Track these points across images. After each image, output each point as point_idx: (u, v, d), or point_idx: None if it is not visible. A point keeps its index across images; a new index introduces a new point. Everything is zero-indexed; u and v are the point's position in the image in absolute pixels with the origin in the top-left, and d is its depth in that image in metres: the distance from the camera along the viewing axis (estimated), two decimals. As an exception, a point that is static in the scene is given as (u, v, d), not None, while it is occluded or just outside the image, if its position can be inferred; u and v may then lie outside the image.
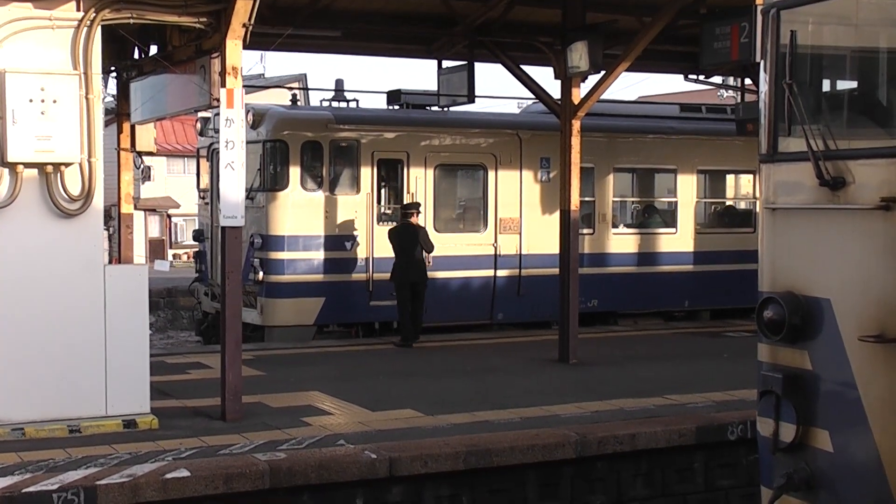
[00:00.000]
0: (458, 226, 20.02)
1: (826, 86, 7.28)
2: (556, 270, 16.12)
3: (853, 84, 7.27)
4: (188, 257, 41.22)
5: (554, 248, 16.57)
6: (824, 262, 6.60)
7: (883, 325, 6.14)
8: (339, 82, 21.13)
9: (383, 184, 19.29)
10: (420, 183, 19.28)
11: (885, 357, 6.15)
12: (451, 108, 20.40)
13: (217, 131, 11.98)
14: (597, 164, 20.38)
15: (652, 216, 21.89)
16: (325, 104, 20.75)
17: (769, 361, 6.97)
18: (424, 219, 19.00)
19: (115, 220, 17.41)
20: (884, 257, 6.17)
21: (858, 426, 6.29)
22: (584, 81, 15.78)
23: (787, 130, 6.90)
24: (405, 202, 18.74)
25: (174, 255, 47.63)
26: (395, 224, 18.50)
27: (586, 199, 19.48)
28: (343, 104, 20.63)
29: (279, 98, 25.91)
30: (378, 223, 18.94)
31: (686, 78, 20.62)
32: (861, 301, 6.31)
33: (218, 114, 11.42)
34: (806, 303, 6.68)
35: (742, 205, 23.30)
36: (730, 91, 26.16)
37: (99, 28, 10.73)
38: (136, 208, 18.17)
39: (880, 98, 6.87)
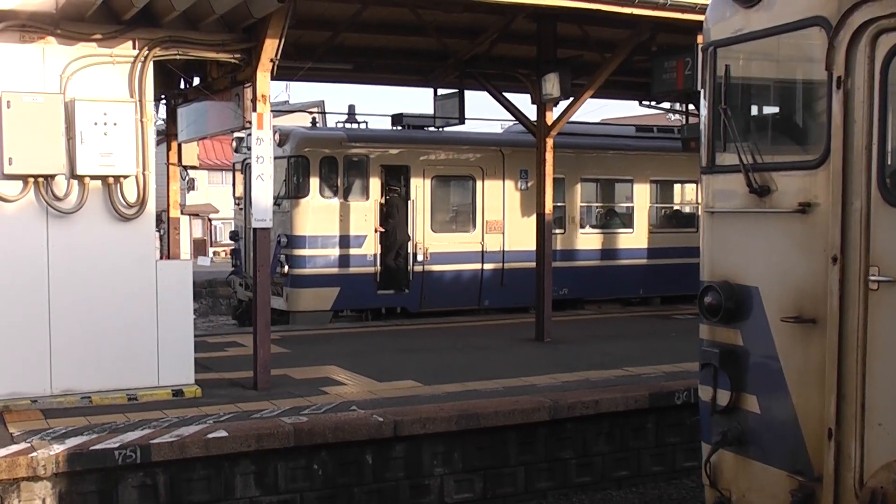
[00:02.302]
0: (451, 227, 19.98)
1: (754, 110, 7.31)
2: (533, 264, 16.12)
3: (776, 109, 7.30)
4: (225, 254, 41.06)
5: (531, 245, 16.56)
6: (753, 256, 6.64)
7: (800, 308, 6.20)
8: (351, 107, 21.13)
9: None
10: (419, 191, 19.29)
11: (801, 335, 6.20)
12: (445, 129, 20.40)
13: (249, 148, 12.01)
14: (567, 175, 20.38)
15: (613, 218, 21.86)
16: (340, 126, 20.76)
17: (708, 339, 6.98)
18: (423, 221, 19.11)
19: (164, 223, 17.39)
20: (801, 252, 6.22)
21: (780, 392, 6.35)
22: (555, 106, 15.80)
23: (722, 147, 6.94)
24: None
25: (214, 252, 47.44)
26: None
27: (558, 204, 19.53)
28: (355, 125, 20.64)
29: (301, 121, 25.89)
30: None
31: (640, 103, 20.68)
32: (782, 288, 6.35)
33: (250, 134, 11.44)
34: (738, 290, 6.71)
35: (687, 209, 23.27)
36: (676, 114, 26.20)
37: (151, 63, 10.79)
38: (182, 213, 18.15)
39: (797, 121, 6.92)
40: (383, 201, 18.99)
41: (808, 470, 6.15)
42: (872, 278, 5.75)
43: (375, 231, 18.75)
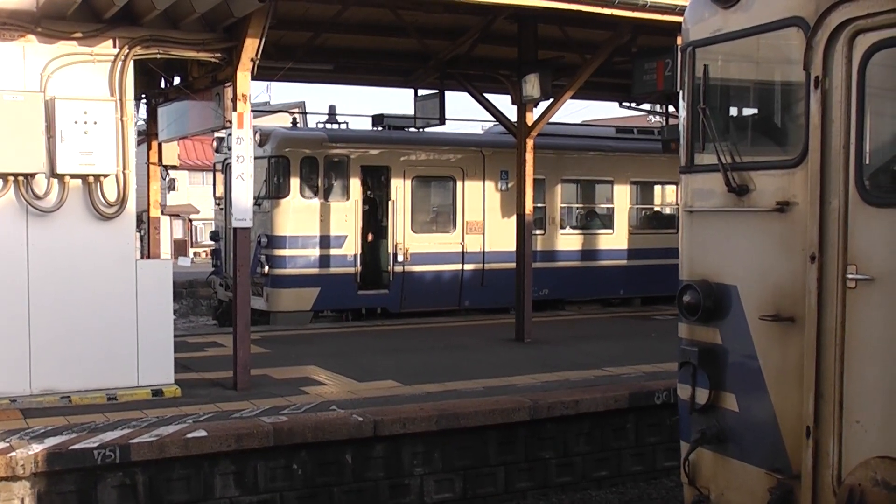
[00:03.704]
0: (432, 227, 19.98)
1: (733, 111, 7.33)
2: (514, 265, 16.12)
3: (754, 110, 7.33)
4: (206, 254, 40.94)
5: (511, 246, 16.59)
6: (732, 255, 6.65)
7: (778, 306, 6.22)
8: (332, 108, 21.10)
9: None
10: (400, 192, 19.29)
11: (779, 333, 6.22)
12: (426, 129, 20.42)
13: (230, 148, 12.00)
14: (547, 176, 20.41)
15: (593, 219, 21.91)
16: (321, 126, 20.72)
17: (687, 338, 6.99)
18: (403, 221, 19.13)
19: (145, 224, 17.36)
20: (779, 251, 6.24)
21: (759, 390, 6.37)
22: (536, 107, 15.82)
23: (701, 147, 6.95)
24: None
25: (194, 253, 47.20)
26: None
27: (538, 205, 19.51)
28: (335, 126, 20.62)
29: (282, 121, 25.85)
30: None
31: (621, 105, 20.72)
32: (761, 287, 6.37)
33: (231, 133, 11.43)
34: (717, 289, 6.73)
35: (667, 210, 23.34)
36: (656, 116, 26.28)
37: (132, 62, 10.76)
38: (162, 213, 18.14)
39: (776, 121, 6.93)
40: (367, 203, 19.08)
41: (786, 468, 6.17)
42: (850, 277, 5.78)
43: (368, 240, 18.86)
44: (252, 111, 11.31)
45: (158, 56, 11.20)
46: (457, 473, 10.34)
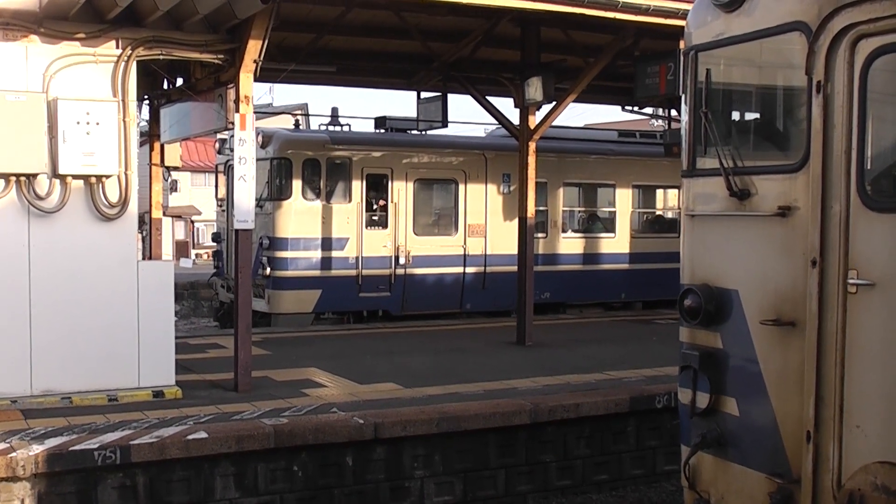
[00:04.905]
0: (434, 230, 19.98)
1: (735, 115, 7.34)
2: (515, 268, 16.13)
3: (756, 114, 7.34)
4: (208, 256, 40.90)
5: (513, 249, 16.59)
6: (733, 260, 6.65)
7: (779, 311, 6.22)
8: (334, 110, 21.13)
9: (371, 195, 19.32)
10: (402, 194, 19.31)
11: (780, 338, 6.22)
12: (428, 132, 20.41)
13: (232, 150, 12.00)
14: (549, 179, 20.40)
15: (595, 223, 21.90)
16: (323, 128, 20.74)
17: (688, 341, 7.00)
18: (405, 224, 19.14)
19: (147, 225, 17.35)
20: (780, 255, 6.24)
21: (759, 394, 6.37)
22: (538, 110, 15.83)
23: (703, 151, 6.94)
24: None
25: (196, 254, 47.26)
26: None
27: (540, 208, 19.53)
28: (338, 128, 20.63)
29: (284, 123, 25.88)
30: (366, 228, 19.00)
31: (623, 108, 20.77)
32: (762, 291, 6.37)
33: (233, 135, 11.44)
34: (718, 293, 6.72)
35: (669, 214, 23.34)
36: (659, 120, 26.27)
37: (134, 63, 10.78)
38: (164, 214, 18.14)
39: (778, 126, 6.93)
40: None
41: (786, 472, 6.17)
42: (851, 281, 5.78)
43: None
44: (254, 113, 11.31)
45: (161, 57, 11.22)
46: (457, 476, 10.33)
